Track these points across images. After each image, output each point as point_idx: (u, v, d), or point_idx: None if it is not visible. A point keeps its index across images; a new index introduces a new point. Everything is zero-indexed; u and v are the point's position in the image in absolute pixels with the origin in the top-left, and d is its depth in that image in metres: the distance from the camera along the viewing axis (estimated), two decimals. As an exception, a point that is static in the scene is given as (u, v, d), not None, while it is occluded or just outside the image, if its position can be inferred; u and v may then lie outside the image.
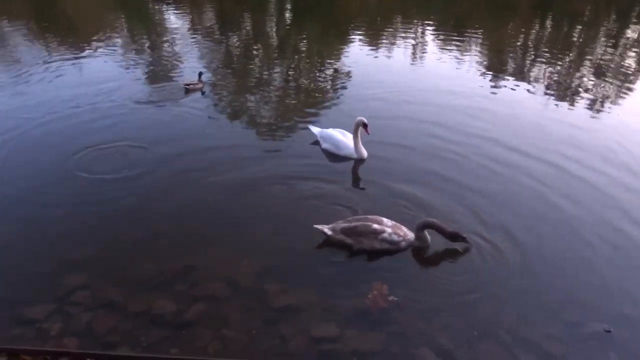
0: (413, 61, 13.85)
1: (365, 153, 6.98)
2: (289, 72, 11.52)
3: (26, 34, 15.02)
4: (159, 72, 11.28)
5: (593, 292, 4.58)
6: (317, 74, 11.45)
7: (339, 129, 7.33)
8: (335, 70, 11.81)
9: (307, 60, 13.04)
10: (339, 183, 6.42)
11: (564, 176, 6.57)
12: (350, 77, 11.56)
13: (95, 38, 14.78)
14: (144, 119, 8.42)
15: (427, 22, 18.77)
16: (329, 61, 12.91)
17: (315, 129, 7.55)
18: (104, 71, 11.28)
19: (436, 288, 4.62)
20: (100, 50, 13.25)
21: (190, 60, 12.25)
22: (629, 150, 7.52)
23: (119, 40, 14.76)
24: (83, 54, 12.75)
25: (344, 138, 7.13)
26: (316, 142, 7.49)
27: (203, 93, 9.80)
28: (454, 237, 4.97)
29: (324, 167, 6.93)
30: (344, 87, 10.69)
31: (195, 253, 4.92)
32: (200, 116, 8.55)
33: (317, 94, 10.23)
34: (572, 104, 10.14)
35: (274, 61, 12.90)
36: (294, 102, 9.69)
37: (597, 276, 4.76)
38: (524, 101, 10.10)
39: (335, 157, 7.16)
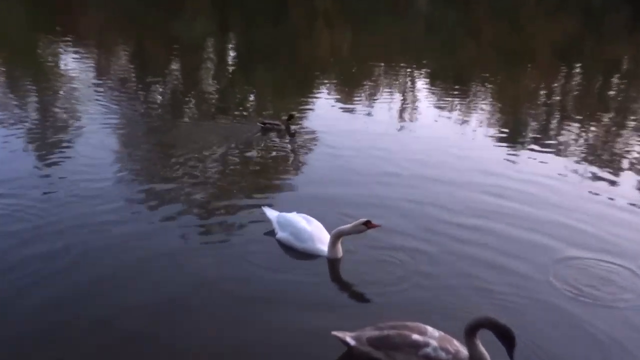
0: (401, 121, 14.15)
1: (340, 253, 7.02)
2: (233, 136, 11.66)
3: None
4: (45, 134, 11.17)
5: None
6: (272, 139, 11.66)
7: (303, 214, 7.38)
8: (296, 134, 12.05)
9: (258, 119, 12.97)
10: (309, 289, 6.45)
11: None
12: (317, 142, 11.58)
13: None
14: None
15: (419, 71, 19.53)
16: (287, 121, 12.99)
17: (270, 213, 7.61)
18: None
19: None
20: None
21: (91, 118, 12.21)
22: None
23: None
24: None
25: (309, 226, 7.19)
26: (271, 231, 7.51)
27: (292, 135, 11.74)
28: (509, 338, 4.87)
29: (289, 268, 6.91)
30: (309, 157, 10.92)
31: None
32: (108, 195, 8.52)
33: (272, 166, 10.40)
34: (616, 176, 10.53)
35: (210, 120, 13.04)
36: (240, 176, 9.82)
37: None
38: (551, 174, 10.39)
39: (298, 252, 7.19)
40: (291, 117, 12.11)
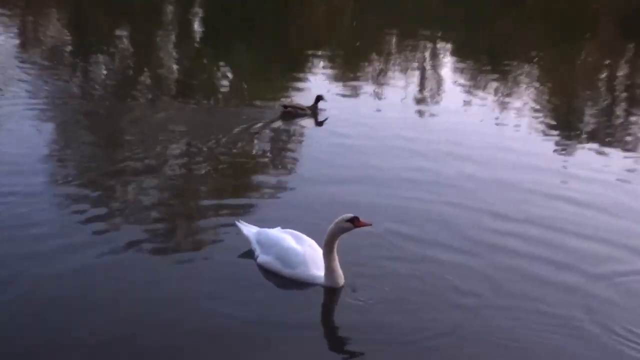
0: (422, 106, 14.06)
1: (341, 279, 6.86)
2: (199, 127, 11.57)
3: None
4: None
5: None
6: (250, 132, 11.51)
7: (290, 230, 7.32)
8: (283, 125, 12.03)
9: (233, 106, 13.12)
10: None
11: None
12: (309, 135, 11.59)
13: None
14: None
15: (443, 44, 19.57)
16: (269, 108, 12.87)
17: (247, 229, 7.53)
18: None
19: None
20: None
21: (13, 100, 11.92)
22: None
23: None
24: None
25: (299, 246, 7.12)
26: (249, 253, 7.37)
27: (320, 123, 12.23)
28: None
29: (274, 304, 6.71)
30: (298, 154, 10.90)
31: None
32: (37, 205, 8.32)
33: (249, 167, 10.33)
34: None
35: (170, 105, 12.89)
36: (209, 179, 9.78)
37: None
38: (615, 172, 10.55)
39: (286, 281, 7.02)
40: (319, 99, 12.30)
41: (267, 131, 11.53)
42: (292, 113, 12.06)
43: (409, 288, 6.83)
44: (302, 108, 12.17)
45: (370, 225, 6.80)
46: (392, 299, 6.63)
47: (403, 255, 7.43)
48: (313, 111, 12.28)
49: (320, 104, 12.33)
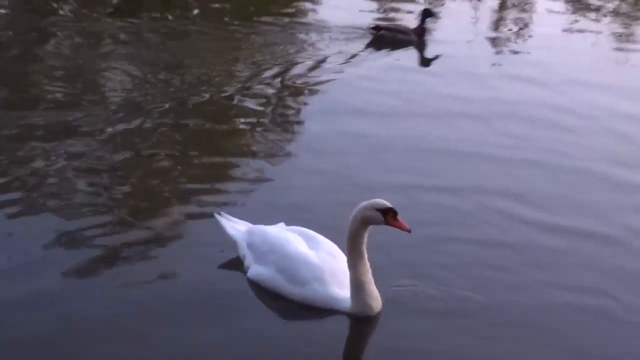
0: (503, 39, 14.19)
1: (376, 302, 6.90)
2: (161, 66, 11.93)
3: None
4: None
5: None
6: (236, 89, 11.90)
7: (298, 228, 7.44)
8: (288, 78, 12.19)
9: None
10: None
11: None
12: (318, 91, 11.50)
13: None
14: None
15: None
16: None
17: (233, 226, 7.67)
18: None
19: None
20: None
21: None
22: None
23: None
24: None
25: (311, 252, 7.21)
26: (236, 262, 7.45)
27: (426, 60, 12.17)
28: None
29: (275, 344, 6.64)
30: (302, 117, 11.07)
31: None
32: None
33: (243, 133, 10.84)
34: None
35: (112, 26, 13.09)
36: (175, 152, 10.10)
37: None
38: None
39: (292, 306, 7.03)
40: (428, 15, 12.14)
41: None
42: (388, 38, 12.01)
43: (503, 305, 6.78)
44: (403, 31, 12.07)
45: (409, 231, 6.64)
46: (458, 334, 6.51)
47: (499, 256, 7.51)
48: (419, 36, 12.11)
49: (429, 24, 12.16)
